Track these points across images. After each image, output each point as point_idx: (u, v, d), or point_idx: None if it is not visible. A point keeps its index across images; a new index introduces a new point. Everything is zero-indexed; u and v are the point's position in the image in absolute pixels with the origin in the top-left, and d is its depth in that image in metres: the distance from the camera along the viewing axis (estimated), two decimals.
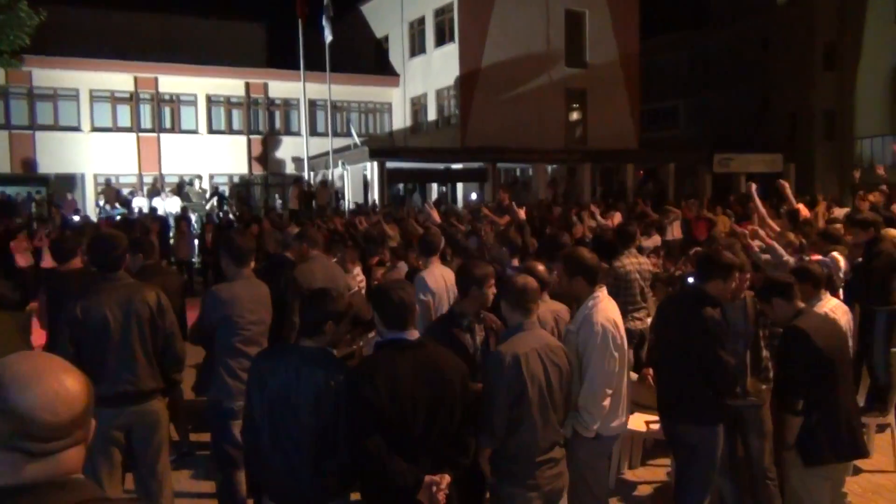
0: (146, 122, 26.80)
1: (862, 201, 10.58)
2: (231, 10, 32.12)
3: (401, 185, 27.63)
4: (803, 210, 8.93)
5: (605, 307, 3.99)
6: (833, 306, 4.81)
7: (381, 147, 25.52)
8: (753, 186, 8.10)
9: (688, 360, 4.17)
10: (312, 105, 27.06)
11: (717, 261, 4.27)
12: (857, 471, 5.69)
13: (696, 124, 35.98)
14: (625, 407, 4.07)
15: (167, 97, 27.09)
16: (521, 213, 9.38)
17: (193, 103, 27.42)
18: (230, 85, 27.65)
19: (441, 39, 27.02)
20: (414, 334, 3.32)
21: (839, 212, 11.82)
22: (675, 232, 14.13)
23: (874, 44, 28.76)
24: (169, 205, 20.69)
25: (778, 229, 7.14)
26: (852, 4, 29.51)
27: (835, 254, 6.33)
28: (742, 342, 4.54)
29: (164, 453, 4.41)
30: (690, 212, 15.31)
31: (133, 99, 26.47)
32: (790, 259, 6.12)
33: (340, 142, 26.02)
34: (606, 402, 3.90)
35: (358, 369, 3.23)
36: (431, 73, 27.63)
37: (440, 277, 5.62)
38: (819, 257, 6.28)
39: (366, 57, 31.56)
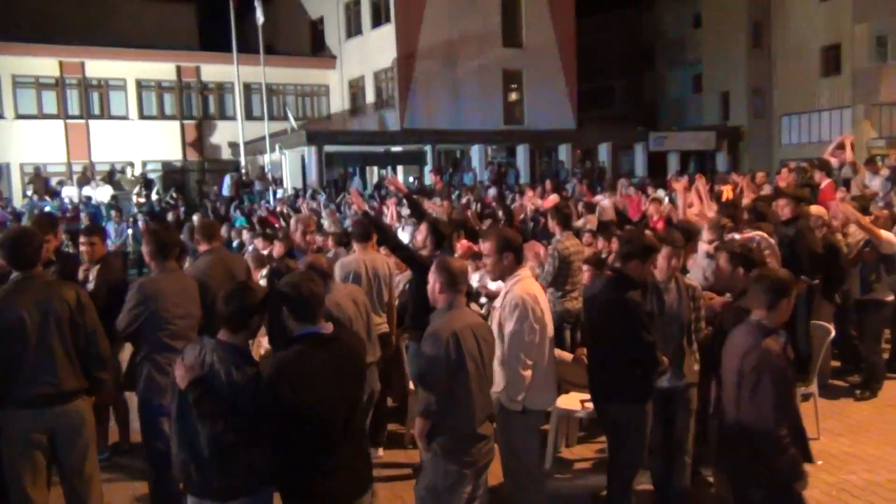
0: (74, 108, 25.93)
1: (780, 178, 10.93)
2: None
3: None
4: (727, 192, 9.16)
5: (527, 284, 4.08)
6: None
7: (319, 131, 25.19)
8: (700, 180, 8.22)
9: (613, 341, 4.26)
10: (247, 88, 26.52)
11: (638, 243, 4.34)
12: None
13: (632, 103, 36.54)
14: (552, 383, 4.15)
15: (95, 82, 26.21)
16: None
17: (123, 88, 26.59)
18: (161, 69, 26.88)
19: (377, 20, 26.72)
20: (328, 327, 3.31)
21: (768, 188, 12.16)
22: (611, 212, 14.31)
23: (801, 22, 29.57)
24: (100, 193, 20.07)
25: (713, 213, 7.28)
26: None
27: (760, 232, 6.51)
28: (677, 324, 4.64)
29: (91, 454, 4.29)
30: (623, 191, 15.52)
31: (59, 84, 25.54)
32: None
33: (277, 126, 25.61)
34: (528, 374, 3.97)
35: (275, 367, 3.16)
36: (369, 55, 27.34)
37: (361, 262, 5.66)
38: (750, 234, 6.46)
39: (301, 39, 31.03)
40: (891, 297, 7.16)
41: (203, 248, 5.50)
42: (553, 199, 12.85)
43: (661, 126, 28.50)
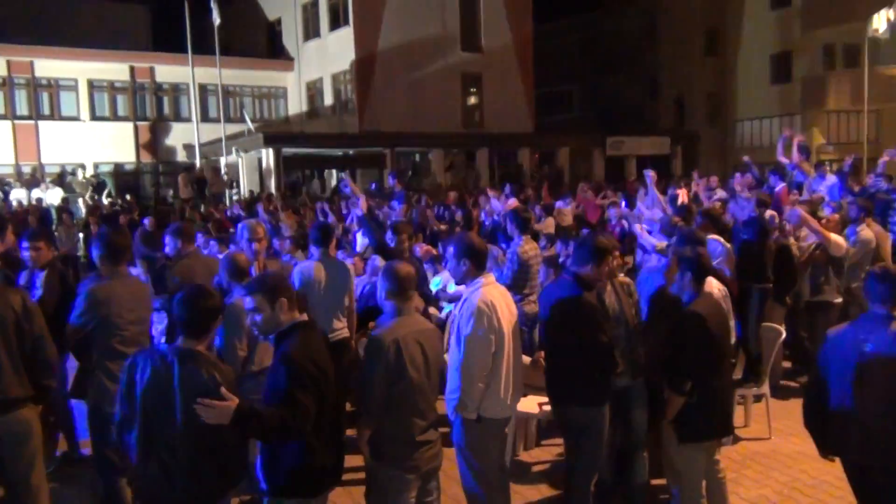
0: (22, 108, 25.26)
1: (737, 182, 11.12)
2: None
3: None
4: (683, 196, 9.29)
5: (487, 291, 4.04)
6: (717, 287, 5.06)
7: (276, 133, 24.94)
8: (652, 174, 8.31)
9: (570, 343, 4.28)
10: (203, 90, 26.14)
11: (591, 245, 4.37)
12: (736, 439, 6.03)
13: (589, 108, 36.94)
14: (511, 391, 4.12)
15: (44, 82, 25.56)
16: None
17: (74, 88, 25.98)
18: (113, 69, 26.33)
19: (336, 23, 26.58)
20: (304, 316, 3.45)
21: (721, 192, 12.37)
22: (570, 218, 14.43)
23: (753, 30, 30.23)
24: (50, 196, 19.56)
25: (669, 211, 7.40)
26: None
27: (714, 235, 6.61)
28: (623, 324, 4.68)
29: (37, 464, 4.17)
30: (583, 195, 15.66)
31: (6, 84, 24.83)
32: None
33: (234, 128, 25.27)
34: (482, 384, 3.95)
35: (297, 352, 3.23)
36: (327, 57, 27.17)
37: (320, 267, 5.64)
38: None
39: (258, 40, 30.72)
40: (839, 299, 7.35)
41: (188, 248, 5.72)
42: (512, 202, 12.93)
43: (618, 131, 28.83)
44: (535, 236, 8.52)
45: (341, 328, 5.80)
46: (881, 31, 19.49)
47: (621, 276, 4.95)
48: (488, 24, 27.67)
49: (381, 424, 3.63)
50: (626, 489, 4.82)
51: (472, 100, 28.31)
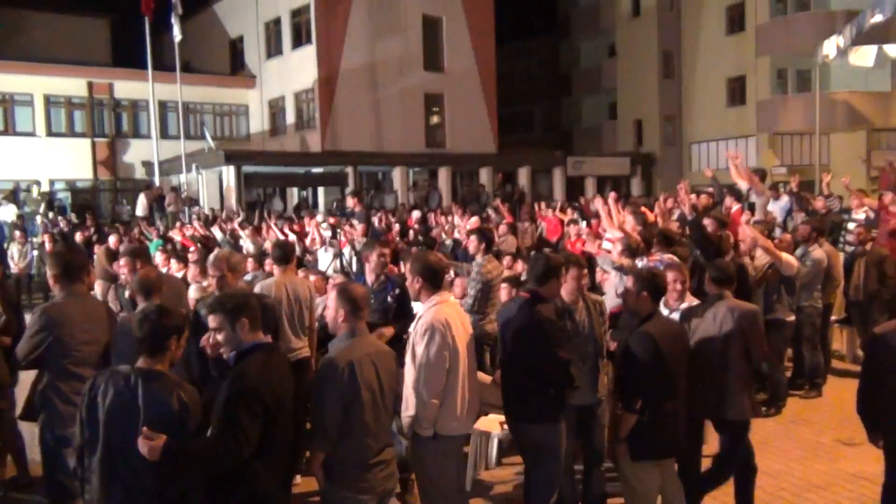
0: None
1: (697, 201, 11.29)
2: (70, 3, 30.10)
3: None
4: (649, 214, 9.43)
5: (442, 310, 4.07)
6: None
7: (237, 151, 24.74)
8: (614, 195, 8.40)
9: (527, 360, 4.33)
10: (163, 106, 25.82)
11: (544, 263, 4.47)
12: None
13: (550, 128, 37.40)
14: (467, 408, 4.14)
15: None
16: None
17: (30, 103, 25.44)
18: (71, 84, 25.88)
19: (298, 41, 26.57)
20: (268, 337, 3.48)
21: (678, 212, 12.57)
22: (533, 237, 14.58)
23: (709, 54, 30.94)
24: (3, 213, 19.11)
25: (620, 234, 7.49)
26: (688, 17, 31.63)
27: (668, 255, 6.72)
28: (591, 342, 4.75)
29: None
30: (543, 214, 15.83)
31: None
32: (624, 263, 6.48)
33: (194, 145, 24.99)
34: (436, 401, 3.97)
35: (254, 374, 3.21)
36: (289, 75, 27.11)
37: (281, 285, 5.59)
38: (657, 257, 6.66)
39: (220, 57, 30.52)
40: (791, 317, 7.51)
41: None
42: (474, 221, 13.01)
43: (578, 151, 29.25)
44: (498, 255, 8.59)
45: (301, 347, 5.77)
46: (831, 57, 20.06)
47: (594, 295, 5.02)
48: (451, 45, 27.91)
49: (334, 447, 3.60)
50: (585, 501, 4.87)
51: (435, 119, 28.46)
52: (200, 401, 3.25)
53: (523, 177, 27.83)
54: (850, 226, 10.00)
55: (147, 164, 25.65)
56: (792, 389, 7.87)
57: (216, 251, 5.75)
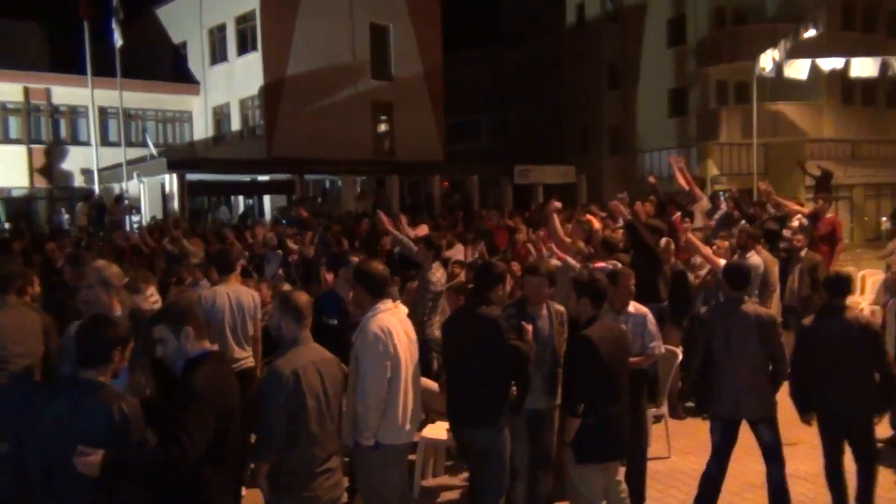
0: None
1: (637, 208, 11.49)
2: (5, 7, 29.22)
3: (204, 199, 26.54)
4: (595, 222, 9.57)
5: (384, 318, 4.07)
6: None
7: (180, 158, 24.28)
8: (556, 204, 8.49)
9: (469, 365, 4.36)
10: (103, 113, 25.23)
11: (492, 270, 4.57)
12: None
13: (497, 137, 37.68)
14: (411, 417, 4.15)
15: None
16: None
17: None
18: (6, 89, 25.07)
19: (244, 47, 26.26)
20: (214, 346, 3.44)
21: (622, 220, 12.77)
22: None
23: (651, 66, 31.63)
24: None
25: (568, 241, 7.60)
26: (631, 29, 32.31)
27: (612, 261, 6.84)
28: (550, 349, 4.81)
29: None
30: (491, 221, 15.92)
31: None
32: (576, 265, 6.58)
33: (135, 152, 24.44)
34: (377, 410, 3.97)
35: (205, 383, 3.17)
36: (234, 82, 26.76)
37: (224, 295, 5.51)
38: (602, 264, 6.78)
39: (163, 63, 29.95)
40: None
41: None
42: (423, 229, 13.01)
43: (525, 160, 29.50)
44: (445, 263, 8.61)
45: (246, 357, 5.69)
46: (768, 70, 20.80)
47: (557, 305, 5.08)
48: (398, 53, 27.94)
49: (280, 457, 3.56)
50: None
51: (383, 127, 28.42)
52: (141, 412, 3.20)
53: (472, 185, 27.97)
54: (786, 233, 10.30)
55: (86, 172, 25.00)
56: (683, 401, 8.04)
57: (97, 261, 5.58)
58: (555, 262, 6.91)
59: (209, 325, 4.23)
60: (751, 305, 5.13)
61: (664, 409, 6.54)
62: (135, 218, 21.35)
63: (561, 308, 5.06)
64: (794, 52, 20.13)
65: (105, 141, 25.31)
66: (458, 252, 11.60)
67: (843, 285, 5.09)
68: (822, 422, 5.04)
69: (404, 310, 4.78)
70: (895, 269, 6.76)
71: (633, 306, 5.42)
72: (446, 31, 29.56)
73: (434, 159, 28.29)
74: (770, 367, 5.00)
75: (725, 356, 4.90)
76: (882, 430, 6.73)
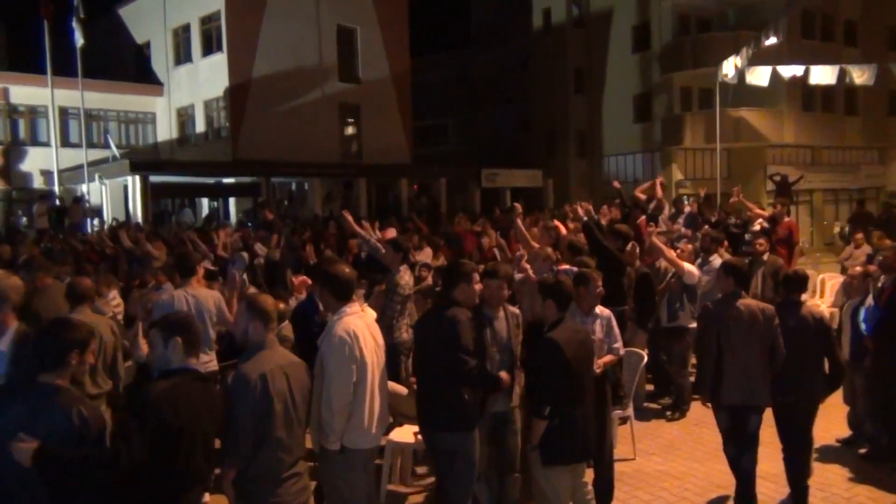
0: None
1: (602, 216, 11.66)
2: None
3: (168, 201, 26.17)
4: (562, 228, 9.64)
5: (350, 321, 4.05)
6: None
7: (143, 160, 23.92)
8: (518, 207, 8.54)
9: (440, 367, 4.36)
10: (63, 113, 24.75)
11: (458, 268, 4.57)
12: None
13: (465, 141, 37.76)
14: (377, 421, 4.12)
15: None
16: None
17: None
18: None
19: (208, 48, 25.95)
20: (201, 367, 3.52)
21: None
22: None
23: (617, 71, 31.96)
24: None
25: (536, 245, 7.63)
26: (597, 35, 32.62)
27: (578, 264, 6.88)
28: (508, 352, 4.82)
29: None
30: (459, 226, 15.95)
31: None
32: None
33: (97, 154, 24.03)
34: (343, 415, 3.95)
35: (159, 394, 3.15)
36: (199, 83, 26.44)
37: (182, 299, 5.46)
38: (566, 267, 6.82)
39: (125, 63, 29.50)
40: (693, 324, 7.81)
41: (44, 280, 5.67)
42: (390, 232, 12.98)
43: (492, 163, 29.59)
44: (413, 267, 8.60)
45: (207, 361, 5.62)
46: (730, 76, 21.17)
47: (512, 307, 5.09)
48: (366, 56, 27.85)
49: (247, 462, 3.51)
50: None
51: (350, 130, 28.31)
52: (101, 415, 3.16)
53: (439, 188, 28.00)
54: (748, 237, 10.49)
55: (46, 173, 24.51)
56: (695, 394, 8.16)
57: None
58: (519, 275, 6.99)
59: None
60: (751, 300, 5.42)
61: (630, 411, 6.60)
62: (95, 220, 21.00)
63: (516, 310, 5.09)
64: (756, 60, 20.51)
65: (65, 142, 24.83)
66: (426, 255, 11.61)
67: (800, 282, 5.55)
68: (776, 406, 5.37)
69: (372, 313, 4.75)
70: (852, 273, 6.90)
71: (598, 308, 5.49)
72: (414, 34, 29.58)
73: (402, 162, 28.27)
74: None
75: (741, 346, 5.14)
76: (839, 430, 6.90)
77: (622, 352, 5.62)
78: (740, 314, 5.16)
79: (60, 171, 22.82)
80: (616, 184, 13.40)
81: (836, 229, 17.40)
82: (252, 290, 8.38)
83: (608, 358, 5.35)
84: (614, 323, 5.55)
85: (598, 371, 5.10)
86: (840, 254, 13.04)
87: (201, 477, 3.30)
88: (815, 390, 5.40)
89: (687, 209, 12.00)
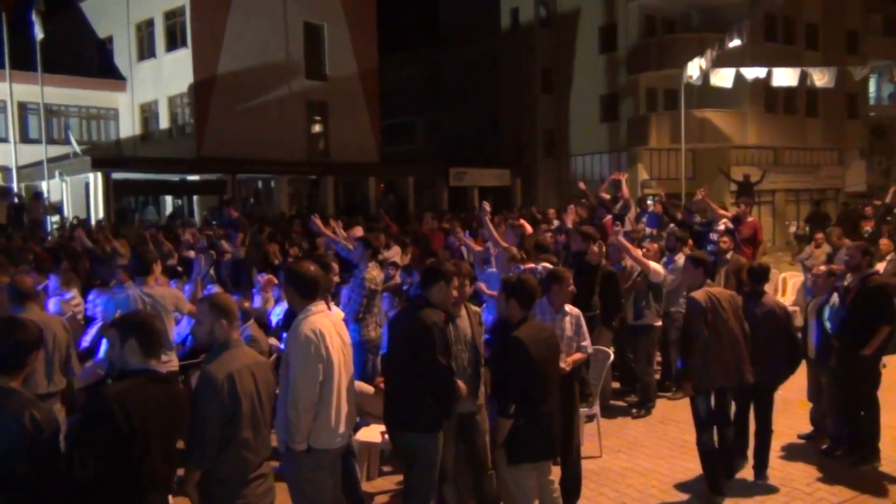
0: None
1: (567, 215, 11.77)
2: None
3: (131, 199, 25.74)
4: (526, 226, 9.68)
5: (317, 320, 4.00)
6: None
7: (105, 156, 23.49)
8: (487, 206, 8.54)
9: (409, 367, 4.33)
10: (23, 108, 24.23)
11: (436, 269, 4.53)
12: None
13: (433, 140, 37.74)
14: (344, 420, 4.09)
15: None
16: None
17: None
18: None
19: (173, 44, 25.56)
20: (162, 368, 3.42)
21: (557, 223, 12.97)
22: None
23: (584, 72, 32.17)
24: None
25: (504, 244, 7.65)
26: (564, 35, 32.81)
27: (544, 263, 6.92)
28: (472, 350, 4.81)
29: None
30: (427, 224, 15.93)
31: None
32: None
33: (57, 150, 23.56)
34: (309, 415, 3.90)
35: (112, 395, 3.06)
36: (163, 79, 26.05)
37: (138, 297, 5.36)
38: (532, 266, 6.84)
39: (87, 58, 28.90)
40: (659, 322, 7.90)
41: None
42: (357, 230, 12.90)
43: (460, 162, 29.61)
44: (381, 265, 8.57)
45: (167, 361, 5.52)
46: (695, 78, 21.45)
47: (473, 306, 5.09)
48: (333, 54, 27.67)
49: (212, 464, 3.45)
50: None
51: (317, 128, 28.11)
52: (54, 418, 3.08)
53: (407, 187, 27.95)
54: (713, 236, 10.62)
55: (4, 170, 23.94)
56: (661, 391, 8.27)
57: None
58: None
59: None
60: (724, 289, 6.11)
61: (596, 409, 6.64)
62: (54, 218, 20.60)
63: (478, 309, 5.10)
64: (720, 62, 20.81)
65: (25, 138, 24.30)
66: (394, 254, 11.59)
67: (765, 274, 6.20)
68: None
69: (339, 312, 4.72)
70: (817, 272, 7.01)
71: (567, 306, 5.50)
72: (382, 32, 29.45)
73: (369, 160, 28.16)
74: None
75: (726, 332, 5.58)
76: (801, 426, 7.01)
77: (591, 350, 5.65)
78: (721, 302, 5.60)
79: (19, 168, 22.30)
80: (581, 185, 13.48)
81: (793, 228, 17.72)
82: (217, 289, 8.26)
83: (577, 356, 5.38)
84: (583, 321, 5.57)
85: (566, 368, 5.12)
86: (795, 253, 13.27)
87: (160, 481, 3.21)
88: (780, 370, 6.02)
89: (651, 209, 12.11)
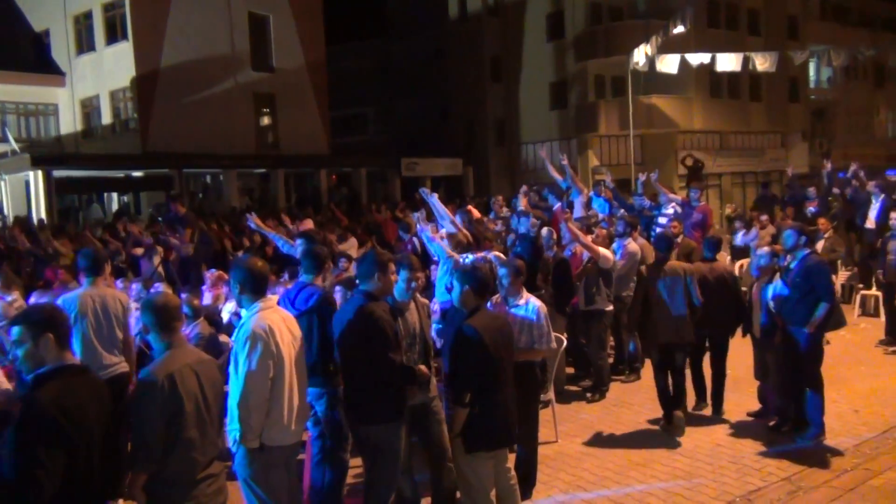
0: None
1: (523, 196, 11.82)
2: None
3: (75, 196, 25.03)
4: (475, 212, 9.69)
5: (266, 315, 3.95)
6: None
7: (46, 154, 22.77)
8: (435, 196, 8.49)
9: (363, 360, 4.30)
10: None
11: (371, 259, 4.49)
12: None
13: (385, 130, 37.53)
14: (297, 416, 4.04)
15: None
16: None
17: None
18: None
19: (113, 36, 24.85)
20: (75, 359, 3.24)
21: (506, 210, 13.02)
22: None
23: (532, 60, 32.32)
24: None
25: (458, 225, 7.63)
26: (512, 23, 32.89)
27: (495, 252, 6.94)
28: (422, 342, 4.79)
29: None
30: (381, 215, 15.85)
31: None
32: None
33: None
34: (260, 412, 3.85)
35: (50, 401, 2.93)
36: (103, 73, 25.33)
37: (86, 298, 5.22)
38: (480, 254, 6.86)
39: (23, 52, 27.91)
40: (610, 307, 7.98)
41: None
42: (307, 223, 12.77)
43: (412, 152, 29.50)
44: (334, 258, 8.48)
45: (117, 363, 5.38)
46: (641, 64, 21.71)
47: (421, 298, 5.05)
48: (279, 45, 27.27)
49: (158, 465, 3.38)
50: (435, 498, 4.90)
51: (266, 120, 27.70)
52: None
53: (359, 178, 27.75)
54: (662, 220, 10.76)
55: None
56: (614, 375, 8.38)
57: None
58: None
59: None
60: (676, 262, 7.00)
61: (551, 395, 6.69)
62: None
63: (424, 301, 5.08)
64: (665, 48, 21.09)
65: None
66: (350, 246, 11.49)
67: (718, 245, 7.57)
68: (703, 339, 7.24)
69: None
70: (759, 252, 7.17)
71: (534, 299, 5.41)
72: (329, 23, 29.14)
73: (320, 152, 27.86)
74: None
75: (669, 297, 6.69)
76: (750, 404, 7.18)
77: (554, 345, 5.63)
78: (670, 274, 6.74)
79: None
80: (524, 188, 13.44)
81: (728, 211, 18.04)
82: (166, 287, 8.09)
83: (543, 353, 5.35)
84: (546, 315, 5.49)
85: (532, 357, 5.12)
86: (728, 236, 13.47)
87: (103, 476, 3.13)
88: (729, 324, 7.17)
89: (605, 193, 12.21)
